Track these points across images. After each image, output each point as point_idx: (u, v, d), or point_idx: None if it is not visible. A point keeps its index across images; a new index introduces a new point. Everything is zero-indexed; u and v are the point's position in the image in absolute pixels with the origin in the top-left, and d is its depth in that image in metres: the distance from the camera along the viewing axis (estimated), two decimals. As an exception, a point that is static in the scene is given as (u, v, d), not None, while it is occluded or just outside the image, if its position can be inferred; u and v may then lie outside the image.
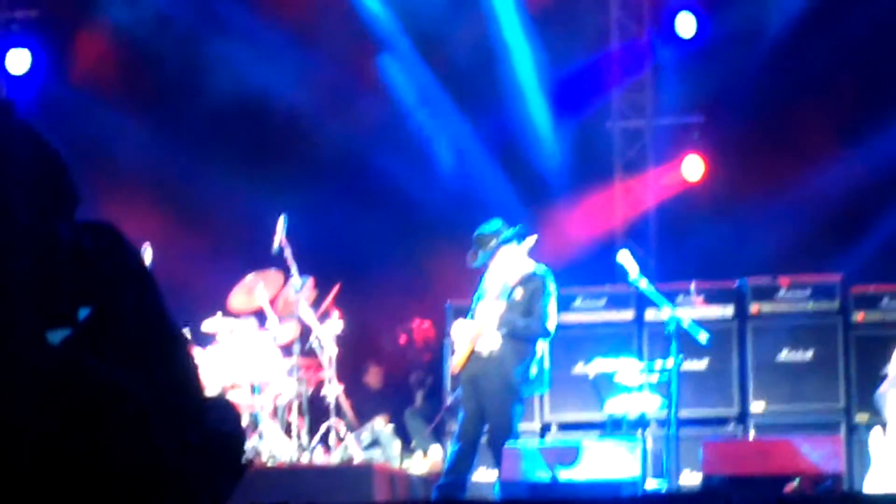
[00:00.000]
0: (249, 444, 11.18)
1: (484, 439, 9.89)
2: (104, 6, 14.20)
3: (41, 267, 2.65)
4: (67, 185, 2.75)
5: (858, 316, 12.17)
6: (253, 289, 11.81)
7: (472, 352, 9.74)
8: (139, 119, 14.01)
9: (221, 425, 2.76)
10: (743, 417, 12.15)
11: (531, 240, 9.91)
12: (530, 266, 9.77)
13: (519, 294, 9.66)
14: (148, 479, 2.58)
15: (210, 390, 11.09)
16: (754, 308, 12.32)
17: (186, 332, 10.96)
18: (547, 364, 9.93)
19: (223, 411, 2.81)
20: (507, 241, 9.81)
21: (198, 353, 11.29)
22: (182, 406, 2.66)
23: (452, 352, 10.20)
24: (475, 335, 9.71)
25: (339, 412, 11.96)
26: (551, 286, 9.79)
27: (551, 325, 9.74)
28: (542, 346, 9.82)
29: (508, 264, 9.81)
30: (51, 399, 2.52)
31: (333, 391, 11.84)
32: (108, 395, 2.56)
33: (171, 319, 2.80)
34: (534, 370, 9.71)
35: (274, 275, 11.87)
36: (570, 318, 12.51)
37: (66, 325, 2.61)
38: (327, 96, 14.44)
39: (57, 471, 2.51)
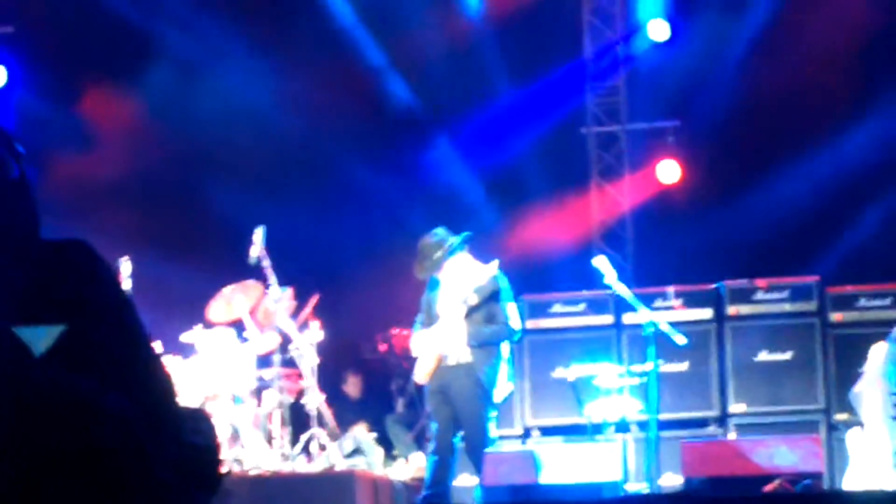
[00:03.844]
0: (231, 454, 11.18)
1: (462, 446, 9.89)
2: (81, 23, 14.18)
3: (17, 280, 2.66)
4: (34, 202, 2.77)
5: (836, 316, 12.22)
6: (232, 300, 11.80)
7: (439, 362, 9.73)
8: (113, 130, 13.99)
9: (196, 437, 2.77)
10: (723, 419, 12.19)
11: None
12: (480, 270, 9.74)
13: (475, 300, 9.64)
14: (128, 493, 2.58)
15: (190, 401, 11.09)
16: (732, 310, 12.35)
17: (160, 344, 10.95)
18: (506, 366, 9.87)
19: (198, 423, 2.82)
20: (454, 250, 9.79)
21: (177, 365, 11.29)
22: (158, 419, 2.67)
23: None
24: (440, 347, 9.70)
25: (321, 421, 11.96)
26: (505, 283, 9.78)
27: (516, 324, 9.75)
28: (507, 346, 9.83)
29: (459, 273, 9.79)
30: (34, 412, 2.53)
31: (315, 400, 11.84)
32: (88, 409, 2.57)
33: (146, 335, 2.81)
34: (503, 371, 9.71)
35: (253, 286, 11.86)
36: (549, 323, 12.53)
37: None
38: (303, 104, 14.44)
39: (39, 484, 2.52)
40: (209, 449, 2.83)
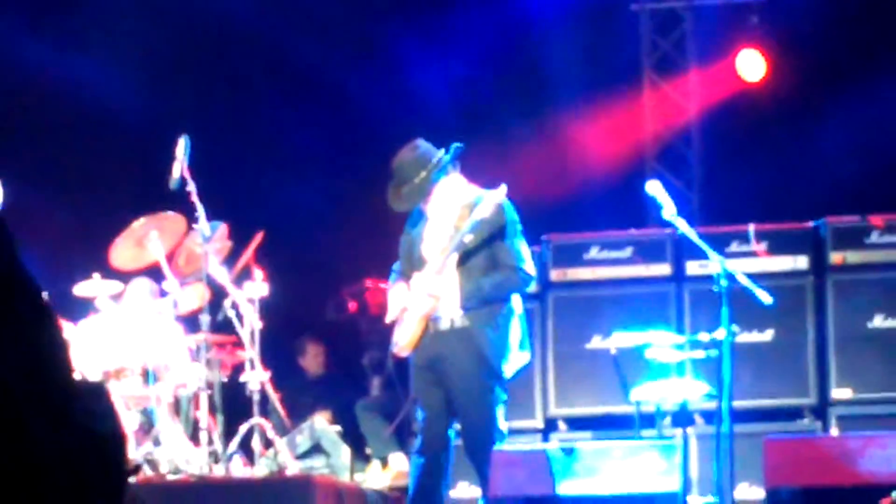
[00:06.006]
0: (142, 452, 11.24)
1: (459, 443, 9.91)
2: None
3: None
4: None
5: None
6: (144, 239, 11.83)
7: (426, 326, 9.70)
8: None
9: (93, 422, 2.78)
10: (822, 408, 12.25)
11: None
12: (481, 198, 9.64)
13: (472, 240, 9.55)
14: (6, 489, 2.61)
15: (85, 376, 11.15)
16: (837, 258, 12.39)
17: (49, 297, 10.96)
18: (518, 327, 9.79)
19: (95, 403, 2.83)
20: (443, 169, 9.70)
21: (69, 328, 11.33)
22: (42, 392, 2.68)
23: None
24: (426, 307, 9.66)
25: (266, 407, 12.02)
26: (513, 215, 9.69)
27: (529, 267, 9.68)
28: (520, 301, 9.77)
29: (449, 201, 9.70)
30: None
31: (257, 378, 11.90)
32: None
33: (27, 280, 2.82)
34: (514, 336, 9.66)
35: (173, 219, 11.89)
36: (583, 273, 12.56)
37: None
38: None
39: None
40: (111, 439, 2.84)
